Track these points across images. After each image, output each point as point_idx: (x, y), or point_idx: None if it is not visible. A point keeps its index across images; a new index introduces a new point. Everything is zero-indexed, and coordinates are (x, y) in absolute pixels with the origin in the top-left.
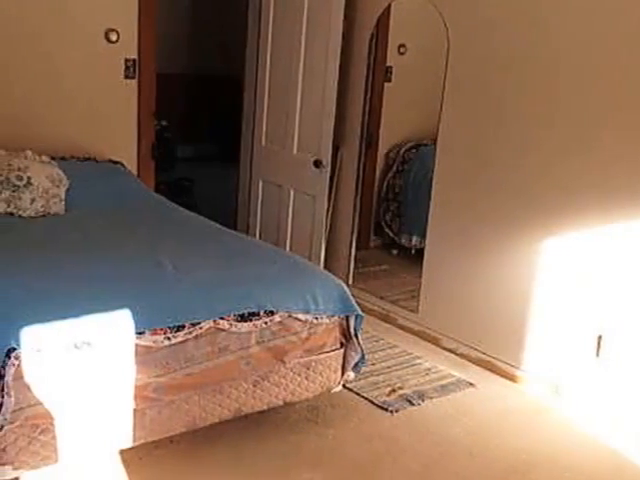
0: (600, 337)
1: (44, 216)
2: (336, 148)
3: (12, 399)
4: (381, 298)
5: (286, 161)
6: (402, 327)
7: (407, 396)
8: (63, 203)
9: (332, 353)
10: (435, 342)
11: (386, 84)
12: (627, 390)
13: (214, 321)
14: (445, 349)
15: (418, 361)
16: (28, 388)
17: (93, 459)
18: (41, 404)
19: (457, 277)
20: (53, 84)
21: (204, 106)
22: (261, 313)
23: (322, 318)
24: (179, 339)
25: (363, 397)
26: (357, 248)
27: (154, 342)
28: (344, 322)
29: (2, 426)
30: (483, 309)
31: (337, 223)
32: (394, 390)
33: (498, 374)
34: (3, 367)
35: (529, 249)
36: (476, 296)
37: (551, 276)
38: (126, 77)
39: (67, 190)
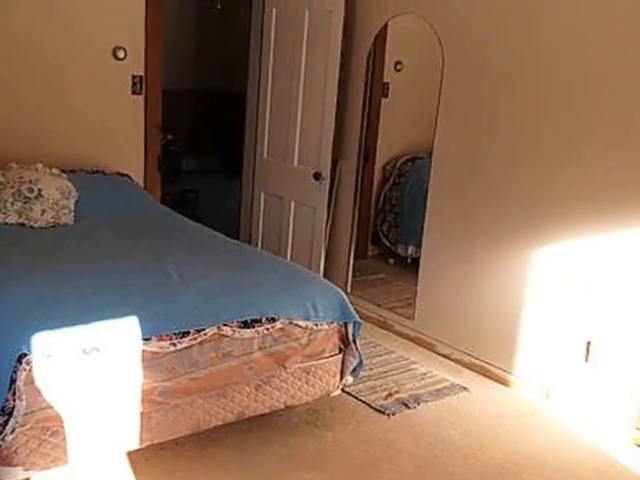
0: (589, 343)
1: (54, 227)
2: (335, 161)
3: (23, 402)
4: (378, 305)
5: (287, 173)
6: (399, 333)
7: (403, 400)
8: (72, 214)
9: (331, 358)
10: (430, 348)
11: (383, 100)
12: (614, 394)
13: (218, 327)
14: (440, 354)
15: (414, 366)
16: (39, 392)
17: (101, 460)
18: (51, 407)
19: (451, 285)
20: (63, 99)
21: (208, 121)
22: (263, 320)
23: (322, 325)
24: (184, 345)
25: (361, 401)
26: (355, 257)
27: (160, 348)
28: (343, 329)
29: (14, 429)
30: (476, 316)
31: (336, 233)
32: (391, 394)
33: (491, 378)
34: (15, 372)
35: (521, 257)
36: (470, 303)
37: (542, 284)
38: (133, 93)
39: (76, 202)
